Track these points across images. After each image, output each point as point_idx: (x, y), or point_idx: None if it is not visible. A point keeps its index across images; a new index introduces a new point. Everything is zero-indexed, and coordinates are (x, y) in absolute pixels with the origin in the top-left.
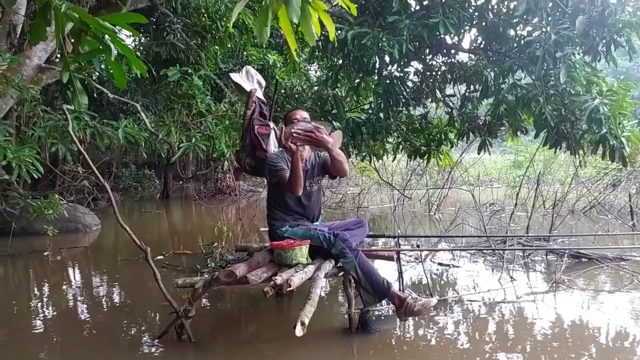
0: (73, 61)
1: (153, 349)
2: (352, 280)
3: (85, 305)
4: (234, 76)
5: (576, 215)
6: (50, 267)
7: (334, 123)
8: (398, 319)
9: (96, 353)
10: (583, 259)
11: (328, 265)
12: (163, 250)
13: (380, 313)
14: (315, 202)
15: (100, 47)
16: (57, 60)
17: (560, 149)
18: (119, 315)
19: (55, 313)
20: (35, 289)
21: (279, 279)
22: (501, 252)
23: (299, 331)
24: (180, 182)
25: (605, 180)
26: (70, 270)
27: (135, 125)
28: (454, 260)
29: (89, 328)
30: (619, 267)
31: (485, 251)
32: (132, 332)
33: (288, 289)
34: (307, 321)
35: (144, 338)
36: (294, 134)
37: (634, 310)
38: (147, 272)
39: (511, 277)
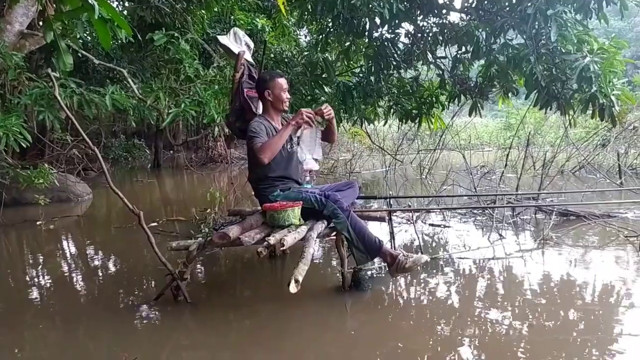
0: (56, 20)
1: (150, 312)
2: (345, 240)
3: (80, 273)
4: (222, 38)
5: (566, 176)
6: (43, 236)
7: (325, 88)
8: (390, 277)
9: (94, 319)
10: (571, 217)
11: (320, 226)
12: (156, 218)
13: (372, 272)
14: (297, 163)
15: (84, 5)
16: (40, 26)
17: (550, 109)
18: (115, 281)
19: (51, 282)
20: (30, 258)
21: (272, 239)
22: (491, 211)
23: (292, 288)
24: (171, 151)
25: (595, 140)
26: (64, 239)
27: (123, 92)
28: (445, 221)
29: (85, 295)
30: (606, 224)
31: (475, 211)
32: (129, 297)
33: (281, 249)
34: (300, 279)
35: (141, 302)
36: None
37: (620, 266)
38: (141, 239)
39: (500, 236)
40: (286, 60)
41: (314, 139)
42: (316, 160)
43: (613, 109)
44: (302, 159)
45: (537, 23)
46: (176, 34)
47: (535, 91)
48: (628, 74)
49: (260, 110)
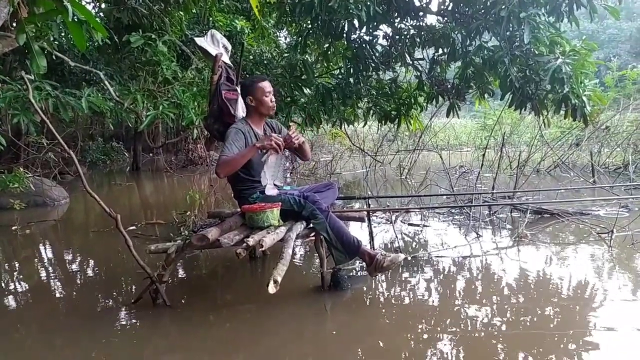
0: (29, 22)
1: (129, 316)
2: (324, 240)
3: (57, 279)
4: (199, 40)
5: (541, 175)
6: (19, 241)
7: (304, 89)
8: (369, 276)
9: (72, 324)
10: (545, 215)
11: (299, 227)
12: (135, 221)
13: (352, 272)
14: (277, 167)
15: (57, 7)
16: (13, 28)
17: (525, 109)
18: (93, 286)
19: (27, 288)
20: (5, 264)
21: (251, 241)
22: (468, 210)
23: (271, 289)
24: (150, 154)
25: (569, 140)
26: (41, 244)
27: (100, 95)
28: (424, 220)
29: (63, 300)
30: (579, 221)
31: (453, 210)
32: (107, 302)
33: (261, 250)
34: (279, 279)
35: (119, 307)
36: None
37: (593, 262)
38: (119, 243)
39: (477, 234)
40: (265, 62)
41: (278, 165)
42: (277, 186)
43: (585, 109)
44: (263, 184)
45: (510, 25)
46: (153, 36)
47: (510, 92)
48: (601, 75)
49: (238, 113)
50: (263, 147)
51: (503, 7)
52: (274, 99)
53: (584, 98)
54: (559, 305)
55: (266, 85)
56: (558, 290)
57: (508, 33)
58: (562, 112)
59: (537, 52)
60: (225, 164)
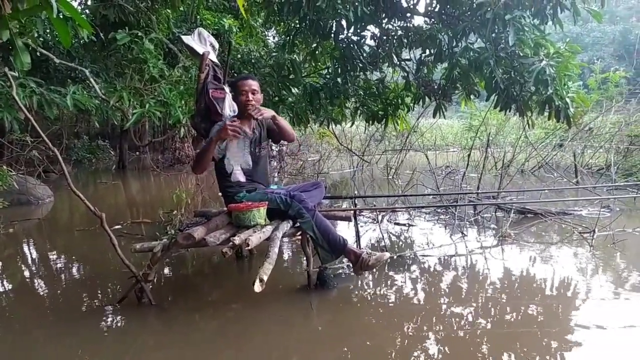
0: (12, 18)
1: (114, 315)
2: (310, 239)
3: (42, 278)
4: (186, 38)
5: (525, 175)
6: (2, 240)
7: (292, 89)
8: (355, 275)
9: (56, 324)
10: (529, 215)
11: (286, 226)
12: (121, 220)
13: (338, 271)
14: (263, 166)
15: (42, 4)
16: None
17: (509, 110)
18: (78, 285)
19: (11, 287)
20: None
21: (237, 239)
22: (454, 210)
23: (257, 287)
24: (137, 152)
25: (553, 141)
26: (24, 244)
27: (85, 92)
28: (410, 220)
29: (47, 300)
30: (562, 221)
31: (439, 210)
32: (92, 301)
33: (247, 249)
34: (265, 278)
35: (104, 306)
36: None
37: (575, 261)
38: (104, 242)
39: (462, 233)
40: (253, 61)
41: (241, 149)
42: (246, 168)
43: (568, 110)
44: (229, 171)
45: (496, 27)
46: (140, 34)
47: (495, 93)
48: (584, 77)
49: (226, 111)
50: (220, 138)
51: (489, 9)
52: (252, 97)
53: (568, 100)
54: (542, 304)
55: (244, 84)
56: (541, 289)
57: (493, 35)
58: (546, 114)
59: (521, 54)
60: (195, 161)
